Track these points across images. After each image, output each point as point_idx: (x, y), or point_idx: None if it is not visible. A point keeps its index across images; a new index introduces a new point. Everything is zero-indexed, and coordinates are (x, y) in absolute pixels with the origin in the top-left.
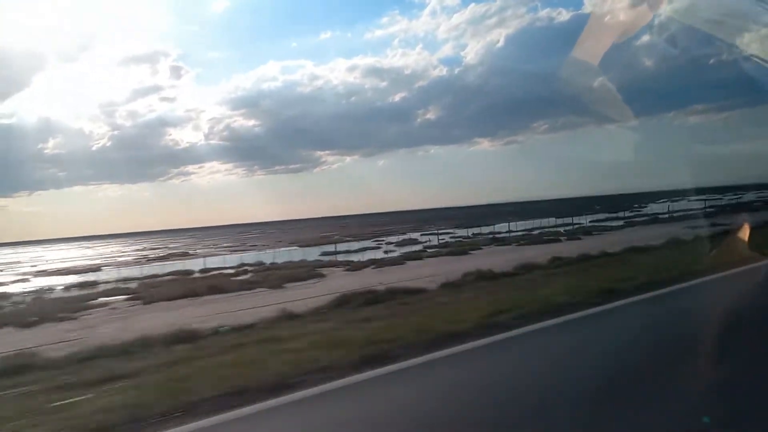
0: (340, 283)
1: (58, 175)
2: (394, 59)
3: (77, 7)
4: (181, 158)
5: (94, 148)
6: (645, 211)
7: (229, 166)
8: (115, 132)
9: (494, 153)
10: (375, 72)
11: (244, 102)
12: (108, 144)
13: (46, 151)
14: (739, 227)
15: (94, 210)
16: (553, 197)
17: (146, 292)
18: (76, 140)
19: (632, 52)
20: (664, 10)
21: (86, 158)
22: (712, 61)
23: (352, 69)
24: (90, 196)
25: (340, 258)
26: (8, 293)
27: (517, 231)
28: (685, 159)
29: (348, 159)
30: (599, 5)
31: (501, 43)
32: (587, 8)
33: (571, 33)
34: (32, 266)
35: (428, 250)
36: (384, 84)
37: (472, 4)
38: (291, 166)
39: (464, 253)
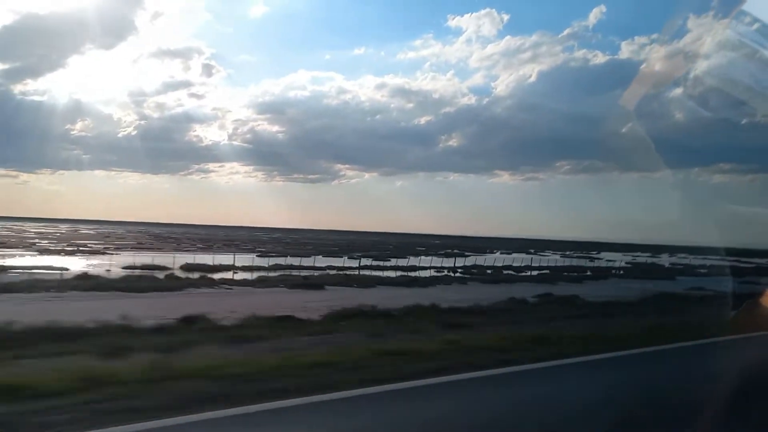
0: None
1: (82, 157)
2: (424, 82)
3: None
4: (203, 155)
5: (119, 135)
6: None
7: (249, 168)
8: (142, 122)
9: (513, 187)
10: (403, 93)
11: (270, 107)
12: (134, 132)
13: (72, 132)
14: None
15: (113, 195)
16: (566, 238)
17: None
18: (103, 125)
19: (663, 103)
20: (700, 66)
21: (111, 144)
22: (744, 121)
23: (380, 87)
24: (110, 182)
25: None
26: None
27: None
28: (706, 217)
29: (367, 176)
30: (636, 53)
31: (533, 79)
32: (624, 54)
33: (605, 77)
34: None
35: None
36: (410, 105)
37: (508, 37)
38: (309, 176)
39: None
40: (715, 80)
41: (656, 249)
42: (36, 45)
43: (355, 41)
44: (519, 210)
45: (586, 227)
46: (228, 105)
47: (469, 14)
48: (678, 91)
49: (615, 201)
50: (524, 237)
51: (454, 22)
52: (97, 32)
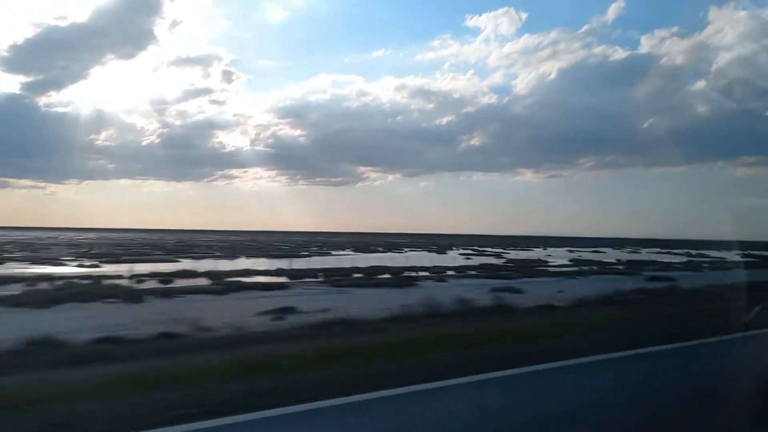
0: None
1: (108, 166)
2: (443, 82)
3: (138, 7)
4: (226, 161)
5: (143, 144)
6: None
7: (272, 173)
8: (165, 130)
9: (537, 185)
10: (423, 93)
11: (291, 111)
12: (157, 141)
13: (97, 143)
14: None
15: (139, 204)
16: (592, 235)
17: None
18: (126, 134)
19: (685, 96)
20: (723, 58)
21: (135, 153)
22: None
23: (400, 88)
24: (136, 190)
25: None
26: None
27: None
28: (730, 211)
29: (390, 177)
30: (656, 47)
31: (553, 76)
32: (644, 49)
33: (626, 72)
34: None
35: None
36: (431, 106)
37: (526, 35)
38: (333, 179)
39: None
40: (738, 71)
41: (679, 244)
42: (58, 57)
43: (374, 43)
44: (543, 208)
45: (610, 223)
46: (249, 110)
47: (487, 13)
48: (701, 83)
49: (638, 196)
50: (550, 235)
51: (472, 21)
52: (118, 43)
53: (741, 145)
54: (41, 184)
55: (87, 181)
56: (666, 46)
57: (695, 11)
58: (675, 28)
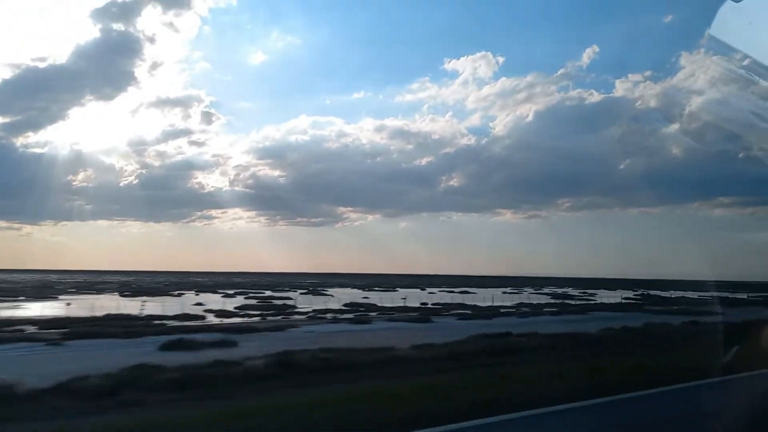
0: None
1: (85, 207)
2: (423, 124)
3: (118, 49)
4: (205, 202)
5: (121, 185)
6: None
7: (251, 213)
8: (143, 171)
9: (516, 225)
10: (402, 134)
11: (271, 152)
12: (135, 181)
13: (74, 183)
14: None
15: (116, 245)
16: (569, 275)
17: None
18: (104, 175)
19: (660, 139)
20: (694, 102)
21: (113, 193)
22: (741, 155)
23: (380, 129)
24: (113, 231)
25: None
26: None
27: None
28: (707, 251)
29: (370, 218)
30: (630, 90)
31: (530, 118)
32: (618, 92)
33: (601, 115)
34: None
35: None
36: (410, 147)
37: (503, 78)
38: (313, 220)
39: None
40: (709, 115)
41: (660, 284)
42: (36, 98)
43: (354, 86)
44: (522, 248)
45: (590, 264)
46: (229, 151)
47: (465, 57)
48: (674, 126)
49: (616, 237)
50: (530, 275)
51: (450, 65)
52: (97, 84)
53: (716, 187)
54: (16, 225)
55: (63, 222)
56: (640, 89)
57: (667, 56)
58: (648, 73)
